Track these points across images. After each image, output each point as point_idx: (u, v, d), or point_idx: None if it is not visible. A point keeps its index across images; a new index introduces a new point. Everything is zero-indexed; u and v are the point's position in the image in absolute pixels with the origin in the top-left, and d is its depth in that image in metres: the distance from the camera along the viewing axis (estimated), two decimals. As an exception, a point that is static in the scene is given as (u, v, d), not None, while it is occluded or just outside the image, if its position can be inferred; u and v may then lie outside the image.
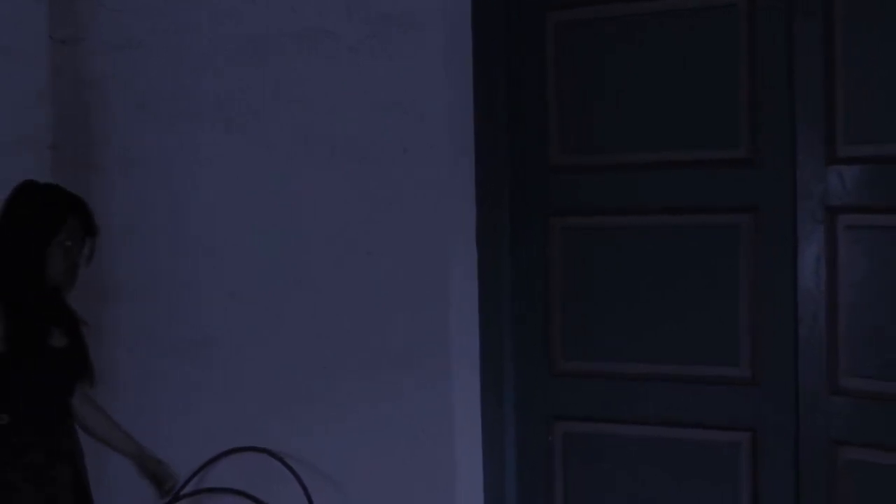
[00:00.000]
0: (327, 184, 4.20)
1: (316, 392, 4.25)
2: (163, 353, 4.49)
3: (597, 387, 4.10)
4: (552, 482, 4.20)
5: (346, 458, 4.22)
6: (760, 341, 3.86)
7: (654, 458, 4.04)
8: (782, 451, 3.84)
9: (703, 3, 3.89)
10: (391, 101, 4.07)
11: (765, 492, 3.89)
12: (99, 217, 3.64)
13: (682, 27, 3.92)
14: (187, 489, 4.38)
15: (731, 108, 3.86)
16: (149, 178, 4.51)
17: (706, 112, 3.90)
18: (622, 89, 4.02)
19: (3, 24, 4.42)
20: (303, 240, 4.24)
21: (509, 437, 4.22)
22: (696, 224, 3.94)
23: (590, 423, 4.13)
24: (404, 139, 4.06)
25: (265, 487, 4.30)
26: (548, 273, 4.15)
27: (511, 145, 4.16)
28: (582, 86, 4.09)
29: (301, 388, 4.28)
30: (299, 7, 4.20)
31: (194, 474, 4.38)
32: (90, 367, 3.61)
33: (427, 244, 4.08)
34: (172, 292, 4.48)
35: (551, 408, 4.18)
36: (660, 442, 4.02)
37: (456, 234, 4.11)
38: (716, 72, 3.89)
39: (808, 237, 3.75)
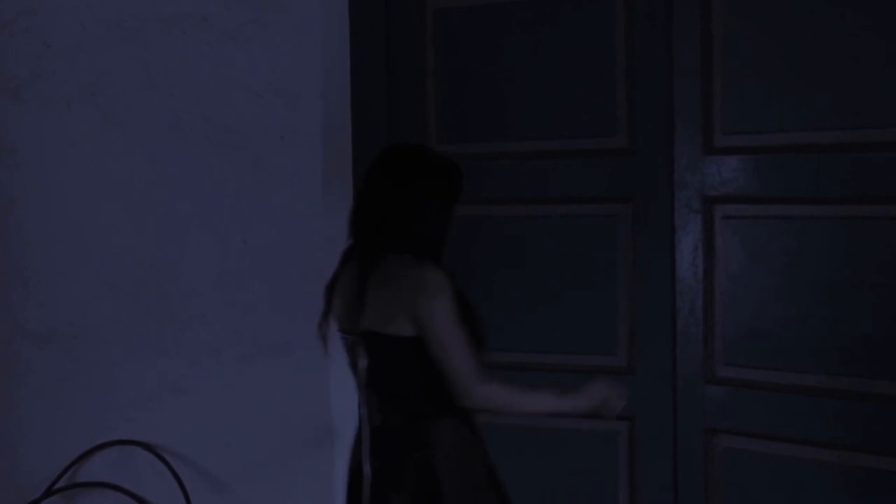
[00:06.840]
0: (203, 172, 4.14)
1: (190, 383, 4.20)
2: (33, 343, 4.40)
3: (474, 376, 4.08)
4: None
5: (221, 449, 4.18)
6: (637, 330, 3.89)
7: (532, 448, 4.05)
8: (659, 440, 3.88)
9: (581, -9, 3.90)
10: (268, 87, 4.03)
11: (643, 480, 3.93)
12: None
13: (561, 16, 3.92)
14: (59, 484, 4.30)
15: (610, 97, 3.87)
16: (22, 164, 4.40)
17: (584, 101, 3.91)
18: (501, 78, 4.01)
19: None
20: (178, 228, 4.18)
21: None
22: (573, 213, 3.95)
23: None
24: (281, 126, 4.02)
25: (140, 481, 4.25)
26: (426, 262, 4.12)
27: (389, 133, 4.12)
28: (461, 74, 4.07)
29: (175, 379, 4.22)
30: (174, -10, 4.13)
31: (67, 468, 4.31)
32: None
33: (304, 233, 4.04)
34: (43, 280, 4.39)
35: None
36: (538, 431, 4.03)
37: (334, 222, 4.04)
38: (594, 61, 3.89)
39: (686, 227, 3.78)
